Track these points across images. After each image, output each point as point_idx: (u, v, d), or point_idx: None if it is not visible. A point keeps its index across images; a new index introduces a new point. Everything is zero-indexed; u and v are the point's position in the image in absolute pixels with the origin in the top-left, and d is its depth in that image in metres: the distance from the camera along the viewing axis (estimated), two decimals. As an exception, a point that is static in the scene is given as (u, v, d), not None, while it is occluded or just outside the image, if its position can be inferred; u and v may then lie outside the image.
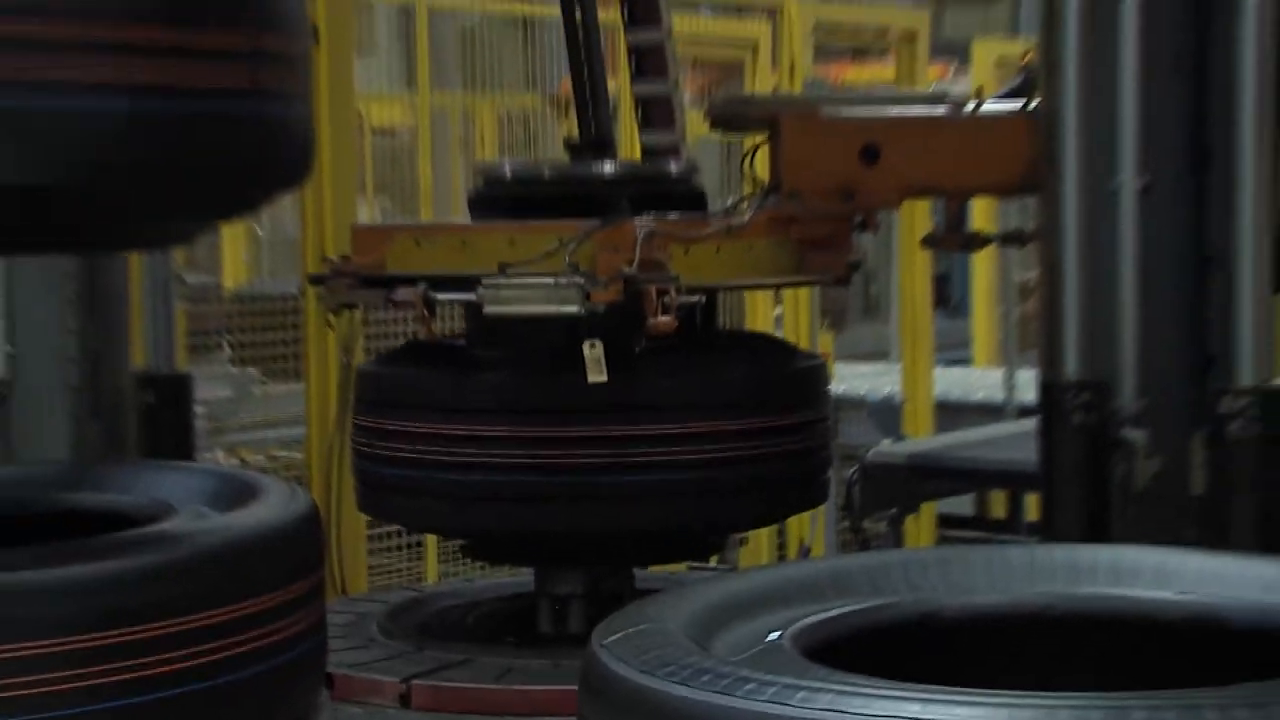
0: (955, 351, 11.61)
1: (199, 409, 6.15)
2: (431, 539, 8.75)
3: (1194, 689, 2.29)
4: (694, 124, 7.23)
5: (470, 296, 4.91)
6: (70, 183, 3.42)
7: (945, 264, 12.12)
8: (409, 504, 5.46)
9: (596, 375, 4.70)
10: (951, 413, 9.30)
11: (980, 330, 11.99)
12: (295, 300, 7.90)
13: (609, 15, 7.33)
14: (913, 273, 9.71)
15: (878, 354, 11.13)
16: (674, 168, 5.83)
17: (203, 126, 3.49)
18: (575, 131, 6.51)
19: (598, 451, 4.97)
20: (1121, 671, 2.48)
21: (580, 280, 4.72)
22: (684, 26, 8.45)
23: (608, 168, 5.76)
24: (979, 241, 5.93)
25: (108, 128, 3.35)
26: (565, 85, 8.23)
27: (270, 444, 8.47)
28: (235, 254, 10.48)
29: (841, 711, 2.26)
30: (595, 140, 6.31)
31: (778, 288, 5.46)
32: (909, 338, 9.54)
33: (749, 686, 2.33)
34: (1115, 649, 2.79)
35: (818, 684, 2.35)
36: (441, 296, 5.04)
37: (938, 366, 9.80)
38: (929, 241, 6.86)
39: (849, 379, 10.06)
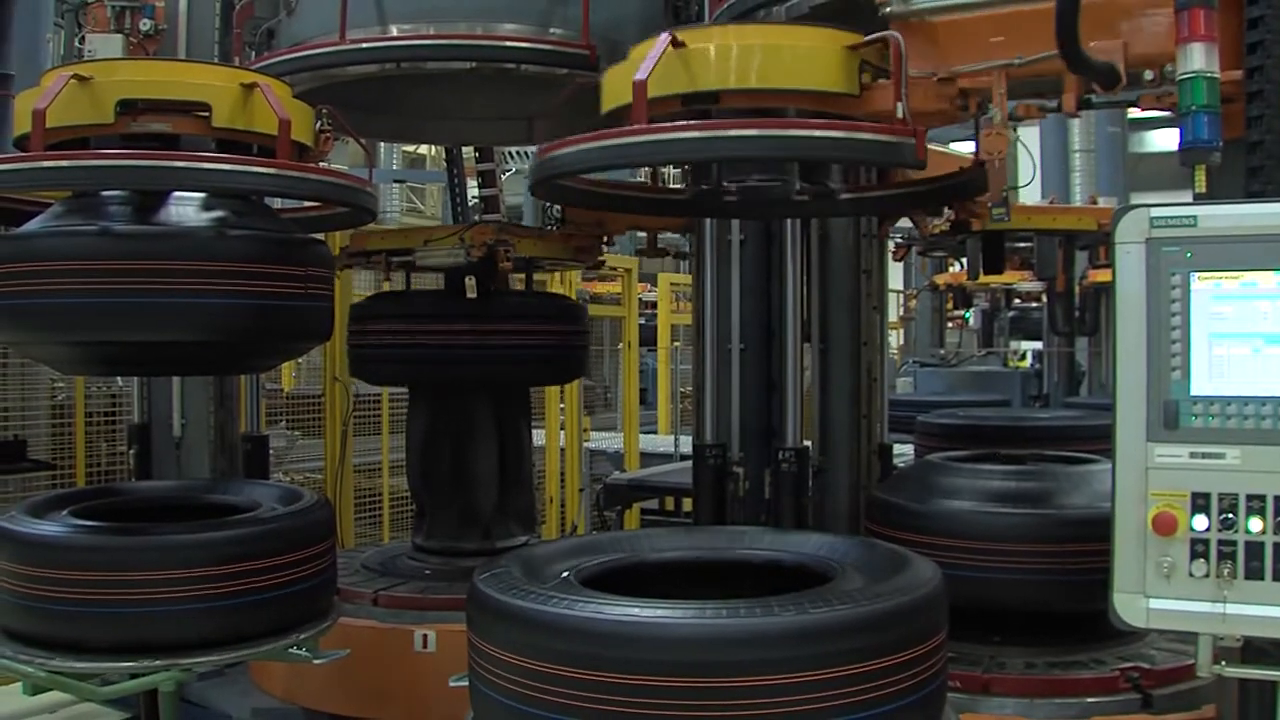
0: (650, 426, 11.56)
1: (271, 453, 5.99)
2: (387, 519, 8.48)
3: (768, 597, 2.33)
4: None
5: (410, 258, 4.97)
6: (214, 339, 3.42)
7: (645, 382, 12.08)
8: (377, 367, 5.25)
9: (471, 294, 4.74)
10: (648, 458, 9.21)
11: (662, 415, 11.94)
12: (320, 397, 7.73)
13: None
14: (630, 387, 9.66)
15: (612, 428, 11.04)
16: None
17: (280, 312, 3.48)
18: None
19: (471, 336, 4.86)
20: (737, 588, 2.49)
21: (465, 246, 4.76)
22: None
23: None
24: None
25: (234, 312, 3.36)
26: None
27: (306, 470, 8.20)
28: (288, 373, 10.15)
29: (598, 612, 2.26)
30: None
31: (563, 264, 5.32)
32: (628, 419, 9.47)
33: (553, 599, 2.32)
34: (733, 577, 2.80)
35: (587, 598, 2.34)
36: (395, 260, 5.04)
37: (641, 434, 9.73)
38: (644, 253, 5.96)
39: (599, 440, 9.93)
